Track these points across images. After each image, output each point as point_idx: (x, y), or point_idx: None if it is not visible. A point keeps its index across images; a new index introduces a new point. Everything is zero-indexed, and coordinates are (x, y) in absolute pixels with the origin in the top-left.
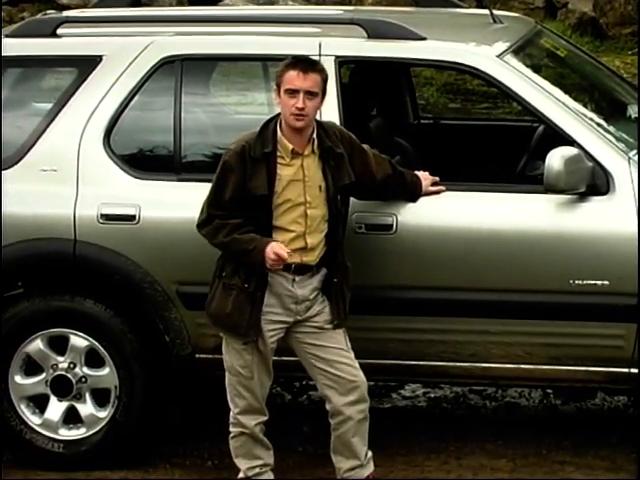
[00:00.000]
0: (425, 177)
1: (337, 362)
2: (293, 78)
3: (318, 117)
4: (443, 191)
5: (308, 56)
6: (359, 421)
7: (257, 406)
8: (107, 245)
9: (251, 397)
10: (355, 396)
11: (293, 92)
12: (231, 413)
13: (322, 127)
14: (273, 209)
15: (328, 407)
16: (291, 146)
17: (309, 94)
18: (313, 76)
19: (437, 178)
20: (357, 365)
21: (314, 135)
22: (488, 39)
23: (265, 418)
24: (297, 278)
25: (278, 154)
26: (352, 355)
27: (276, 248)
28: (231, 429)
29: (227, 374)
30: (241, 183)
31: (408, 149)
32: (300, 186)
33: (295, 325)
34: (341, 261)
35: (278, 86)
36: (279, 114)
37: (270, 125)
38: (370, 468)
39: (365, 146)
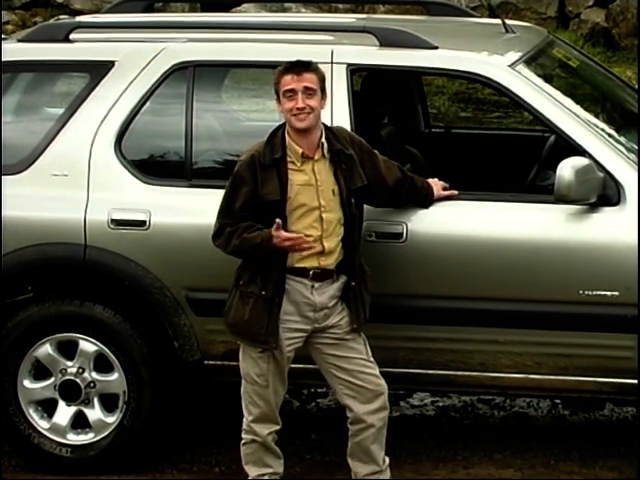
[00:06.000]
0: (435, 182)
1: (359, 372)
2: (288, 81)
3: (328, 124)
4: (455, 195)
5: (300, 59)
6: (379, 428)
7: (271, 415)
8: (117, 250)
9: (265, 405)
10: (377, 404)
11: (291, 93)
12: (244, 420)
13: (331, 131)
14: (288, 214)
15: (349, 414)
16: (301, 150)
17: (307, 91)
18: (308, 75)
19: (447, 184)
20: (378, 373)
21: (323, 139)
22: (500, 49)
23: (278, 427)
24: (316, 285)
25: (288, 159)
26: (373, 363)
27: (278, 232)
28: (243, 436)
29: (243, 382)
30: (253, 192)
31: (419, 157)
32: (313, 190)
33: (315, 335)
34: (358, 265)
35: (277, 93)
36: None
37: (278, 132)
38: (388, 474)
39: (375, 151)
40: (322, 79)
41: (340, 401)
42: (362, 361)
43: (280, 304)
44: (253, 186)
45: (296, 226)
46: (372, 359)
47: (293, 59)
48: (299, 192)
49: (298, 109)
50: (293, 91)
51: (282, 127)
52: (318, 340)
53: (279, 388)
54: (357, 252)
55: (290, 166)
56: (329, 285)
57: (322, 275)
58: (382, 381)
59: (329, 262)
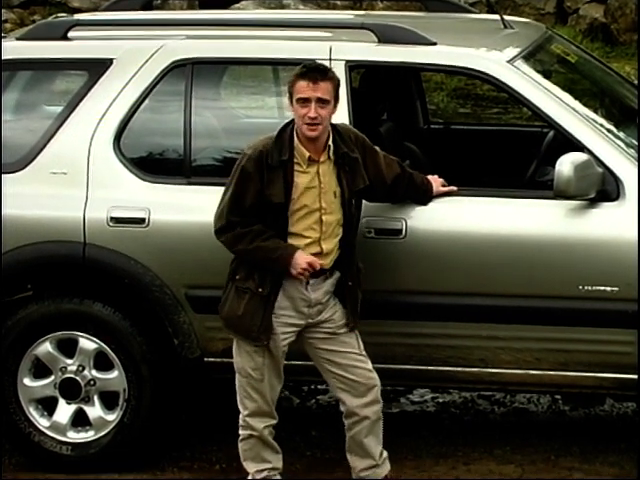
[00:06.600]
0: (434, 179)
1: (351, 366)
2: (304, 88)
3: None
4: (455, 191)
5: (318, 63)
6: (373, 422)
7: (266, 409)
8: (116, 248)
9: (261, 400)
10: (370, 398)
11: (305, 101)
12: (240, 415)
13: (338, 132)
14: (289, 215)
15: (342, 408)
16: (308, 154)
17: (321, 102)
18: (323, 85)
19: (445, 182)
20: (371, 367)
21: (330, 142)
22: (499, 44)
23: (274, 421)
24: (311, 281)
25: (295, 161)
26: (365, 357)
27: (307, 258)
28: (240, 431)
29: (237, 376)
30: (259, 190)
31: (418, 154)
32: (315, 192)
33: (307, 330)
34: (354, 264)
35: (290, 95)
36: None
37: (287, 131)
38: (386, 468)
39: (375, 147)
40: (337, 86)
41: (334, 394)
42: (354, 355)
43: (275, 301)
44: (259, 184)
45: (296, 227)
46: (364, 353)
47: (292, 56)
48: (302, 194)
49: (310, 118)
50: (307, 100)
51: (290, 124)
52: (311, 335)
53: (275, 382)
54: (353, 251)
55: (296, 168)
56: (323, 281)
57: (318, 272)
58: (374, 374)
59: (326, 262)
